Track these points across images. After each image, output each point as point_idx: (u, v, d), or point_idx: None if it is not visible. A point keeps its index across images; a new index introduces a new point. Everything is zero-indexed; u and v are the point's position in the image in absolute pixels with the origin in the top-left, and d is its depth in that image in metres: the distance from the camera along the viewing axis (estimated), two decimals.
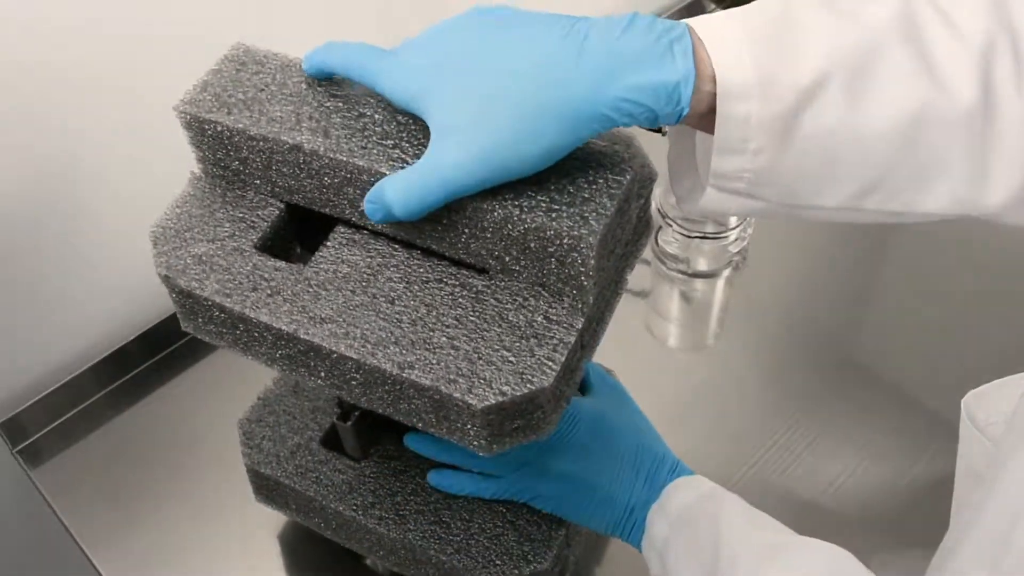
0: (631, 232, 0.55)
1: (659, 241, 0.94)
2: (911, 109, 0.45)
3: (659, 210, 0.94)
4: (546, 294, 0.50)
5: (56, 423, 0.82)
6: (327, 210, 0.53)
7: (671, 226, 0.92)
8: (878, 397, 0.82)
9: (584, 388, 0.66)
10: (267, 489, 0.68)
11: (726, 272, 0.94)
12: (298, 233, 0.56)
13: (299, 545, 0.73)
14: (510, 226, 0.48)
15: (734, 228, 0.91)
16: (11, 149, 0.71)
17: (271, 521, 0.73)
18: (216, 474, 0.77)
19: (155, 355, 0.86)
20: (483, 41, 0.47)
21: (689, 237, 0.91)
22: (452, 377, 0.47)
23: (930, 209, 0.48)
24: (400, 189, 0.47)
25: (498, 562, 0.60)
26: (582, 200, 0.47)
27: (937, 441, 0.78)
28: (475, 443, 0.49)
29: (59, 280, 0.80)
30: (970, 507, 0.44)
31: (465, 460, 0.62)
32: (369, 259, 0.52)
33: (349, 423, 0.63)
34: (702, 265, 0.93)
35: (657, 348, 0.88)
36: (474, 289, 0.50)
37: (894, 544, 0.72)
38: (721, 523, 0.55)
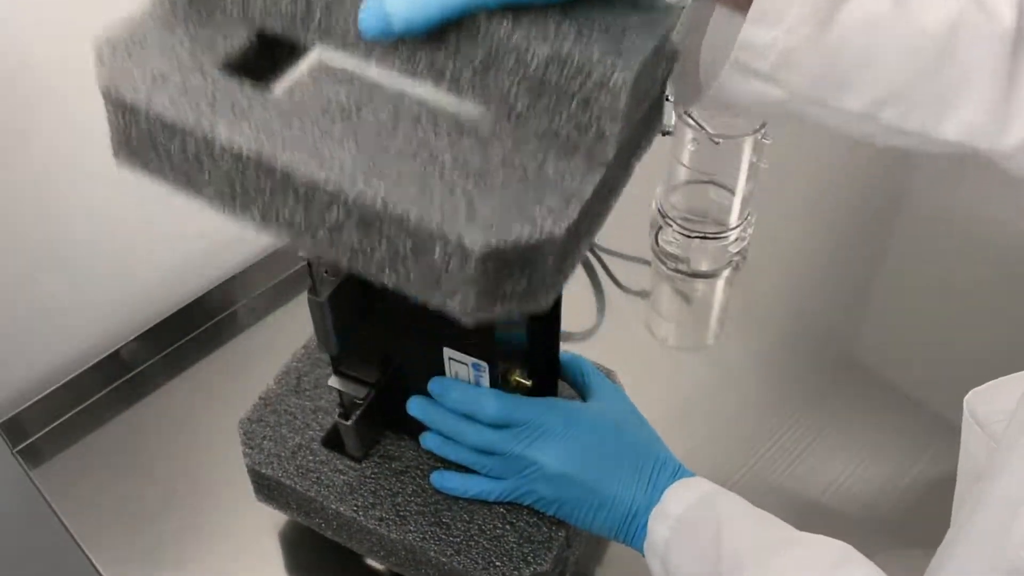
0: (647, 109, 0.47)
1: (659, 241, 0.94)
2: (951, 19, 0.45)
3: (659, 210, 0.94)
4: (560, 144, 0.43)
5: (56, 423, 0.82)
6: (305, 38, 0.46)
7: (671, 226, 0.92)
8: (878, 397, 0.82)
9: (585, 391, 0.66)
10: (268, 489, 0.68)
11: (726, 272, 0.94)
12: (270, 64, 0.47)
13: (299, 545, 0.73)
14: (529, 54, 0.41)
15: (734, 228, 0.91)
16: (7, 147, 0.71)
17: (271, 521, 0.73)
18: (216, 474, 0.77)
19: (155, 355, 0.86)
20: None
21: (689, 237, 0.91)
22: (447, 215, 0.39)
23: (947, 135, 0.47)
24: None
25: (498, 563, 0.60)
26: (616, 34, 0.41)
27: (937, 441, 0.78)
28: (462, 304, 0.41)
29: (59, 280, 0.80)
30: (971, 500, 0.44)
31: (473, 459, 0.62)
32: (350, 90, 0.44)
33: (351, 422, 0.63)
34: (702, 265, 0.93)
35: (657, 348, 0.88)
36: (475, 132, 0.43)
37: (894, 544, 0.72)
38: (723, 522, 0.55)
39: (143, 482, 0.77)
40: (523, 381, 0.62)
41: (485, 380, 0.60)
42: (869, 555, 0.71)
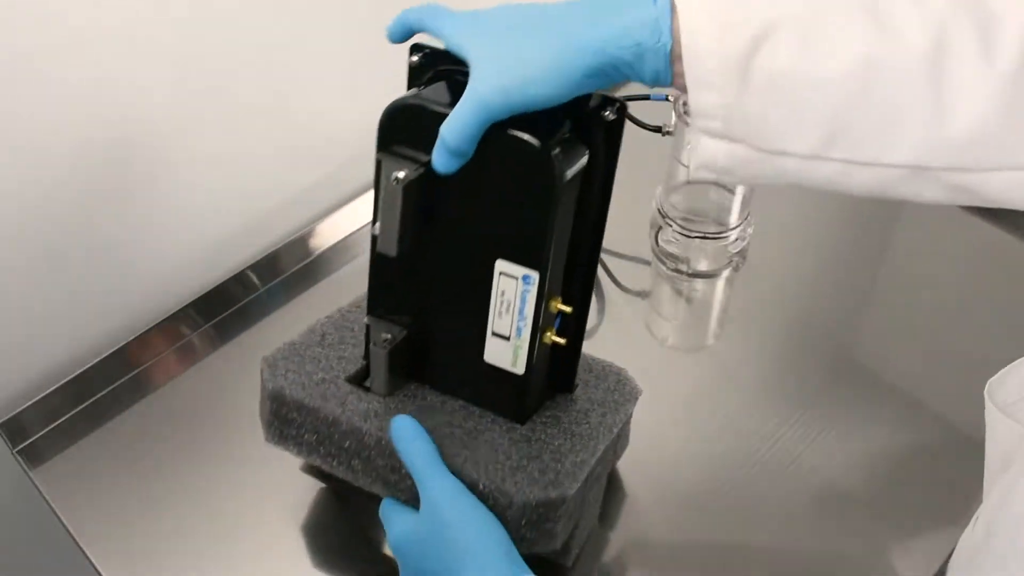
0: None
1: (659, 241, 0.94)
2: (862, 54, 0.48)
3: (659, 210, 0.94)
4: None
5: (56, 423, 0.82)
6: None
7: (671, 226, 0.92)
8: (878, 397, 0.82)
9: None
10: (282, 421, 0.66)
11: (726, 272, 0.94)
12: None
13: (300, 545, 0.73)
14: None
15: (734, 228, 0.91)
16: (7, 147, 0.71)
17: (272, 520, 0.73)
18: (217, 474, 0.77)
19: (155, 356, 0.86)
20: (512, 9, 0.55)
21: (689, 237, 0.91)
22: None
23: (897, 159, 0.50)
24: (447, 123, 0.53)
25: (523, 484, 0.60)
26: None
27: (938, 440, 0.78)
28: None
29: (59, 280, 0.80)
30: (1002, 486, 0.45)
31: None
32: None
33: (384, 348, 0.63)
34: (702, 265, 0.93)
35: (657, 348, 0.88)
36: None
37: (895, 544, 0.72)
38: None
39: (143, 482, 0.77)
40: (564, 308, 0.62)
41: (532, 296, 0.59)
42: (871, 554, 0.71)
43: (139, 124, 0.77)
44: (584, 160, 0.58)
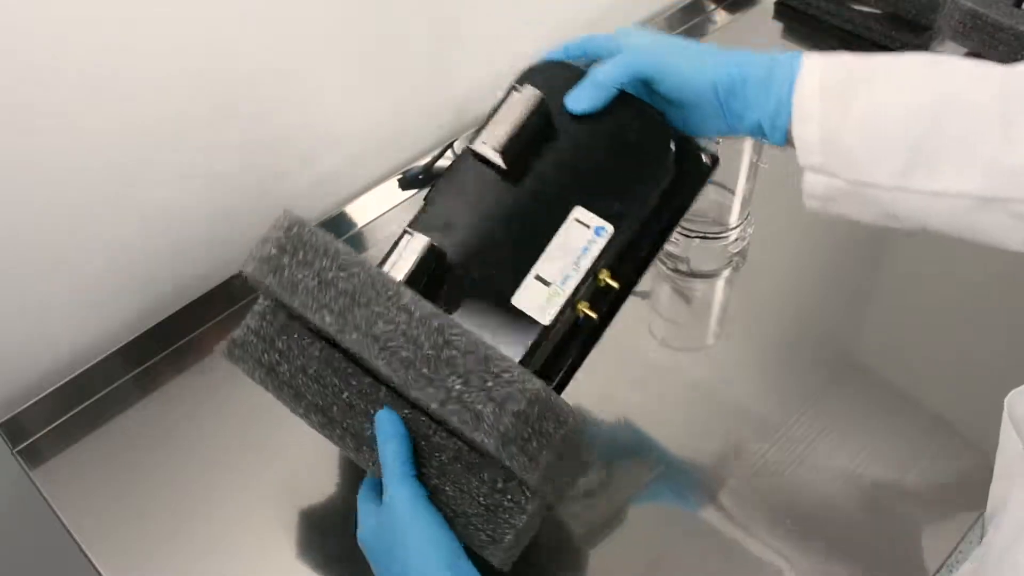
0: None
1: None
2: (939, 91, 0.57)
3: None
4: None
5: (56, 423, 0.82)
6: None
7: None
8: (878, 397, 0.82)
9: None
10: (256, 334, 0.65)
11: (726, 272, 0.94)
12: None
13: (301, 545, 0.73)
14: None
15: (734, 228, 0.91)
16: (7, 147, 0.71)
17: (271, 521, 0.73)
18: (216, 474, 0.77)
19: (155, 355, 0.86)
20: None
21: (689, 237, 0.91)
22: None
23: (969, 188, 0.56)
24: (598, 67, 0.64)
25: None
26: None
27: (937, 440, 0.78)
28: None
29: (58, 280, 0.80)
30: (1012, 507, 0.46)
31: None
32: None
33: (423, 241, 0.62)
34: (702, 265, 0.93)
35: (657, 348, 0.88)
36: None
37: (895, 544, 0.72)
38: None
39: (143, 482, 0.77)
40: (612, 282, 0.63)
41: (596, 247, 0.62)
42: (870, 555, 0.71)
43: (137, 124, 0.77)
44: (675, 166, 0.64)
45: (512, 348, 0.61)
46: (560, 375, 0.65)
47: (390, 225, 0.98)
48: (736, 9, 1.27)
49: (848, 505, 0.74)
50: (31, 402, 0.81)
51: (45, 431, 0.81)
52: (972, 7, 1.05)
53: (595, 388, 0.77)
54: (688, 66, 0.63)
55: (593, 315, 0.63)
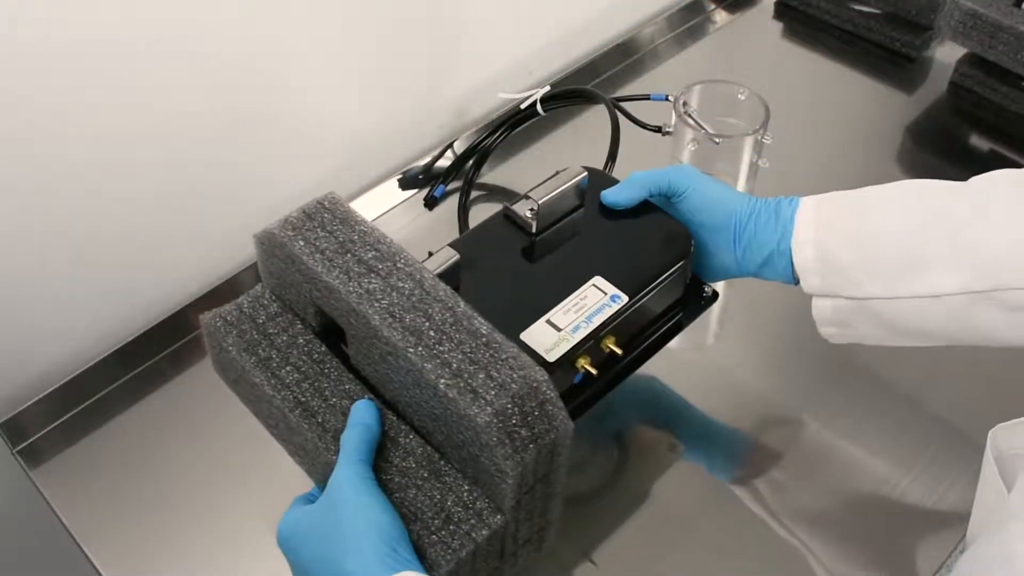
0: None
1: None
2: (921, 207, 0.64)
3: None
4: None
5: (56, 423, 0.82)
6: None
7: None
8: (878, 398, 0.82)
9: None
10: (245, 313, 0.65)
11: None
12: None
13: None
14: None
15: None
16: (7, 147, 0.71)
17: (272, 521, 0.73)
18: (216, 474, 0.77)
19: (155, 355, 0.86)
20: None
21: None
22: None
23: (954, 287, 0.61)
24: (640, 173, 0.72)
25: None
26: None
27: (936, 441, 0.78)
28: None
29: (58, 280, 0.80)
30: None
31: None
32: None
33: (454, 253, 0.67)
34: None
35: None
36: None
37: (895, 544, 0.72)
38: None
39: (143, 482, 0.77)
40: (615, 348, 0.66)
41: (609, 311, 0.66)
42: (868, 555, 0.71)
43: (139, 121, 0.77)
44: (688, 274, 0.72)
45: None
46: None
47: (390, 225, 0.98)
48: (736, 9, 1.27)
49: (848, 505, 0.74)
50: (31, 402, 0.81)
51: (45, 431, 0.81)
52: (972, 7, 1.04)
53: None
54: (716, 189, 0.71)
55: (593, 371, 0.65)
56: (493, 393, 0.53)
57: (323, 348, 0.63)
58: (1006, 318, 0.60)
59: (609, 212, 0.72)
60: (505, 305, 0.66)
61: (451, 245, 0.69)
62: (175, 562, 0.72)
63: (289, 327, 0.65)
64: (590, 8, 1.15)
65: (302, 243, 0.61)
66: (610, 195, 0.72)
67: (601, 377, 0.66)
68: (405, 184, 1.02)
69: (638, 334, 0.70)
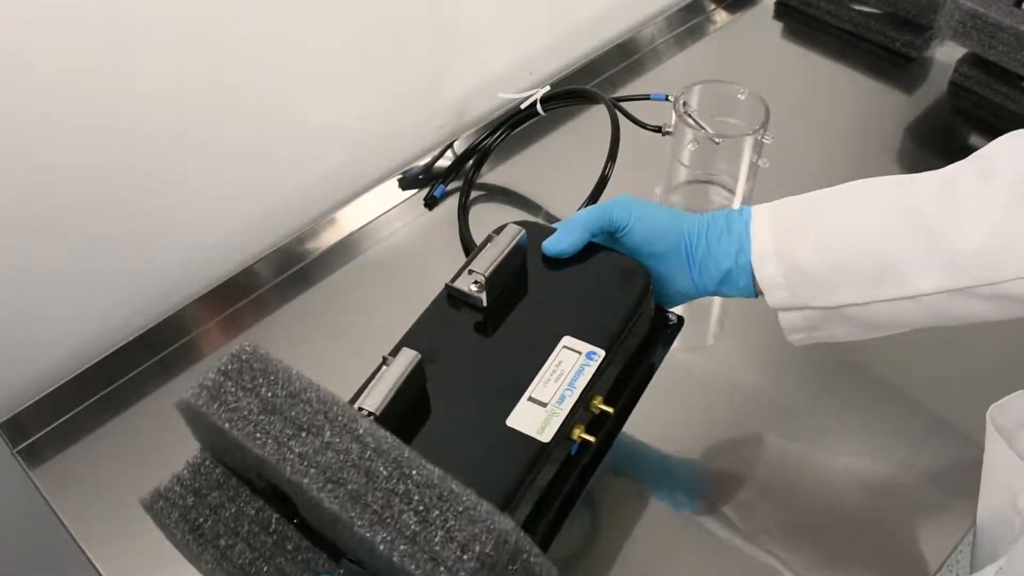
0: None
1: None
2: (887, 205, 0.61)
3: None
4: None
5: (56, 423, 0.82)
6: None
7: None
8: (878, 397, 0.82)
9: None
10: (186, 486, 0.62)
11: None
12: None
13: None
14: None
15: None
16: (7, 147, 0.71)
17: None
18: None
19: (155, 355, 0.86)
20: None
21: None
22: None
23: (931, 286, 0.59)
24: (578, 214, 0.68)
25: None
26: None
27: (937, 440, 0.78)
28: None
29: (57, 280, 0.80)
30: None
31: None
32: None
33: (411, 361, 0.60)
34: None
35: None
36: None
37: (895, 545, 0.72)
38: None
39: (143, 482, 0.77)
40: (605, 408, 0.62)
41: (590, 370, 0.62)
42: (869, 556, 0.71)
43: (137, 126, 0.77)
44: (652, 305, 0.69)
45: (512, 468, 0.57)
46: (555, 508, 0.62)
47: (390, 225, 0.98)
48: (736, 9, 1.27)
49: (848, 504, 0.74)
50: (31, 402, 0.81)
51: (45, 431, 0.81)
52: (972, 7, 1.05)
53: None
54: (659, 215, 0.67)
55: (591, 438, 0.61)
56: (455, 559, 0.47)
57: (275, 516, 0.58)
58: (985, 306, 0.59)
59: (555, 263, 0.68)
60: (481, 393, 0.62)
61: (403, 340, 0.64)
62: (175, 562, 0.72)
63: (236, 496, 0.60)
64: (590, 8, 1.15)
65: (222, 411, 0.55)
66: (551, 245, 0.67)
67: (595, 441, 0.62)
68: (405, 184, 1.02)
69: (620, 384, 0.67)
